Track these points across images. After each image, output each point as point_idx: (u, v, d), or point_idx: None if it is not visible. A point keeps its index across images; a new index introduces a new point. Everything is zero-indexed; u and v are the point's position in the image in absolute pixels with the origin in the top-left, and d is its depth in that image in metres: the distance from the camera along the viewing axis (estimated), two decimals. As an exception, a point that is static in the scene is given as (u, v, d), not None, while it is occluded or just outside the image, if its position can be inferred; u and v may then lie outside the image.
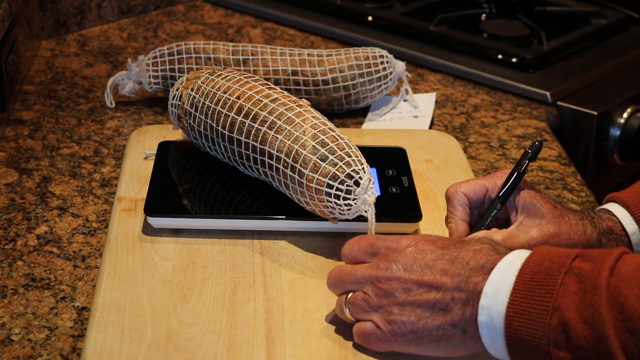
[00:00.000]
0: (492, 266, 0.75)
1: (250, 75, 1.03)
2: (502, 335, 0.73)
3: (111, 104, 1.29)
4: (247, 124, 0.97)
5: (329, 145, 0.92)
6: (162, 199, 0.99)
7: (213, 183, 1.03)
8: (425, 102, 1.31)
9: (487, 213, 0.91)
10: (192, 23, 1.62)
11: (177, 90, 1.07)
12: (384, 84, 1.26)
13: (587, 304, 0.69)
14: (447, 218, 0.93)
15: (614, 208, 0.91)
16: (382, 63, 1.26)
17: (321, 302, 0.88)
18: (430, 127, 1.27)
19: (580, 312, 0.69)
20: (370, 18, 1.59)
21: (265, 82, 1.02)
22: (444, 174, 1.10)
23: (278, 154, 0.94)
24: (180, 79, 1.08)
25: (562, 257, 0.73)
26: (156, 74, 1.26)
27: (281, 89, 1.10)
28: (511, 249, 0.82)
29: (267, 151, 0.95)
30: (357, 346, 0.82)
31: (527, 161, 0.90)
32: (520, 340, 0.72)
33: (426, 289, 0.77)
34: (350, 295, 0.81)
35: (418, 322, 0.77)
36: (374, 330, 0.79)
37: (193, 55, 1.25)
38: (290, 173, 0.93)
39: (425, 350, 0.78)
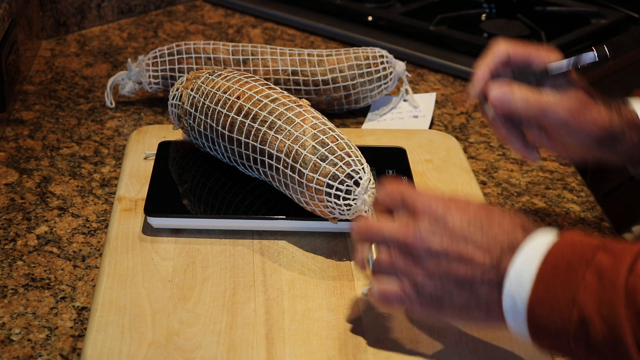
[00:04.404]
0: (517, 246, 0.75)
1: (250, 75, 1.03)
2: (525, 321, 0.73)
3: (111, 104, 1.29)
4: (247, 124, 0.97)
5: (329, 145, 0.92)
6: (162, 199, 0.99)
7: (213, 183, 1.03)
8: (425, 102, 1.31)
9: (529, 77, 0.94)
10: (192, 23, 1.62)
11: (177, 90, 1.07)
12: (384, 84, 1.26)
13: (605, 302, 0.70)
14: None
15: (634, 102, 0.94)
16: (382, 63, 1.25)
17: (321, 302, 0.88)
18: (430, 127, 1.27)
19: (599, 310, 0.70)
20: (370, 18, 1.59)
21: (265, 82, 1.02)
22: (444, 174, 1.10)
23: (278, 154, 0.94)
24: (180, 79, 1.08)
25: (585, 246, 0.73)
26: (156, 74, 1.25)
27: (281, 89, 1.10)
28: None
29: (267, 151, 0.95)
30: (357, 346, 0.82)
31: (595, 58, 0.94)
32: (543, 329, 0.72)
33: (454, 261, 0.76)
34: (374, 254, 0.80)
35: (443, 294, 0.76)
36: (398, 291, 0.78)
37: (193, 55, 1.25)
38: (290, 173, 0.93)
39: (446, 316, 0.78)
